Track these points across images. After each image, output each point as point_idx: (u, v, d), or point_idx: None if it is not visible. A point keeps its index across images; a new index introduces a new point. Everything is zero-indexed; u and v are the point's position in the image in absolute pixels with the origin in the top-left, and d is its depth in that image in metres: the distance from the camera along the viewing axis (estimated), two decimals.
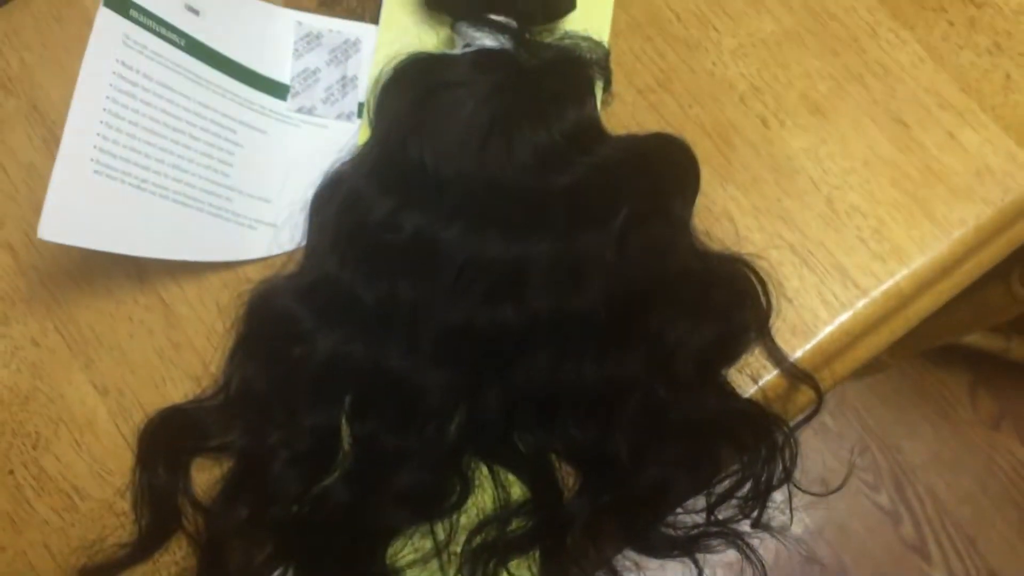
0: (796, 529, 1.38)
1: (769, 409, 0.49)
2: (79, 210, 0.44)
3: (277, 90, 0.53)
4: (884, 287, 0.51)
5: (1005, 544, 1.39)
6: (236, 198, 0.51)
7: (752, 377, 0.50)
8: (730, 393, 0.49)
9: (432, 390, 0.47)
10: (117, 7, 0.46)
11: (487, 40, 0.52)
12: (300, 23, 0.55)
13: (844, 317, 0.51)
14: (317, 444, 0.47)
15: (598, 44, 0.54)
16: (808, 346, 0.51)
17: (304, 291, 0.49)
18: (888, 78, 0.55)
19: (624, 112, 0.55)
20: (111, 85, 0.45)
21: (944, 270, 0.52)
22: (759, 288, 0.50)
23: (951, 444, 1.46)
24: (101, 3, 0.45)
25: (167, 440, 0.48)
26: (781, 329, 0.51)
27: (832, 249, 0.52)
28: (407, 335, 0.48)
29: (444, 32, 0.55)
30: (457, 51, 0.53)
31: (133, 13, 0.47)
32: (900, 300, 0.52)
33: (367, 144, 0.52)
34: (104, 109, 0.45)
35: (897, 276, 0.52)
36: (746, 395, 0.49)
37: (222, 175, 0.50)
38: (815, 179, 0.53)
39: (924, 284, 0.52)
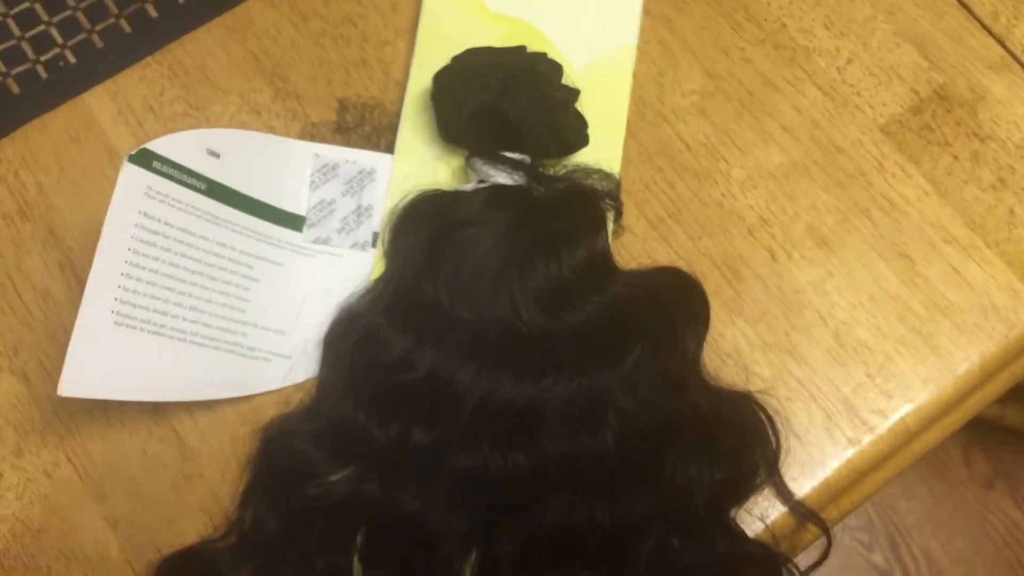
0: None
1: (777, 550, 0.49)
2: (99, 364, 0.44)
3: (294, 222, 0.54)
4: (890, 423, 0.52)
5: None
6: (252, 332, 0.51)
7: (760, 517, 0.50)
8: (739, 535, 0.49)
9: (445, 535, 0.47)
10: (141, 161, 0.46)
11: (501, 176, 0.53)
12: (317, 155, 0.55)
13: (851, 453, 0.52)
14: None
15: (609, 176, 0.55)
16: (815, 483, 0.51)
17: (318, 431, 0.49)
18: (894, 212, 0.56)
19: (635, 243, 0.56)
20: (133, 236, 0.46)
21: (950, 406, 0.53)
22: (768, 427, 0.51)
23: (945, 504, 1.47)
24: (125, 159, 0.46)
25: None
26: (789, 465, 0.51)
27: (839, 385, 0.53)
28: (421, 477, 0.48)
29: (457, 163, 0.56)
30: (470, 186, 0.54)
31: (156, 164, 0.47)
32: (906, 436, 0.52)
33: (381, 279, 0.52)
34: (126, 261, 0.46)
35: (903, 412, 0.52)
36: (753, 534, 0.50)
37: (238, 311, 0.51)
38: (822, 313, 0.54)
39: (929, 420, 0.53)
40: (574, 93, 0.55)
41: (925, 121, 0.57)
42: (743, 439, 0.50)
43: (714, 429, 0.50)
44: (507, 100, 0.53)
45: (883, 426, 0.52)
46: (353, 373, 0.50)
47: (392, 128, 0.58)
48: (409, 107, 0.58)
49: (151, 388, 0.47)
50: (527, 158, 0.53)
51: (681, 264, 0.55)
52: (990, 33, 0.59)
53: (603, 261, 0.53)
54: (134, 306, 0.46)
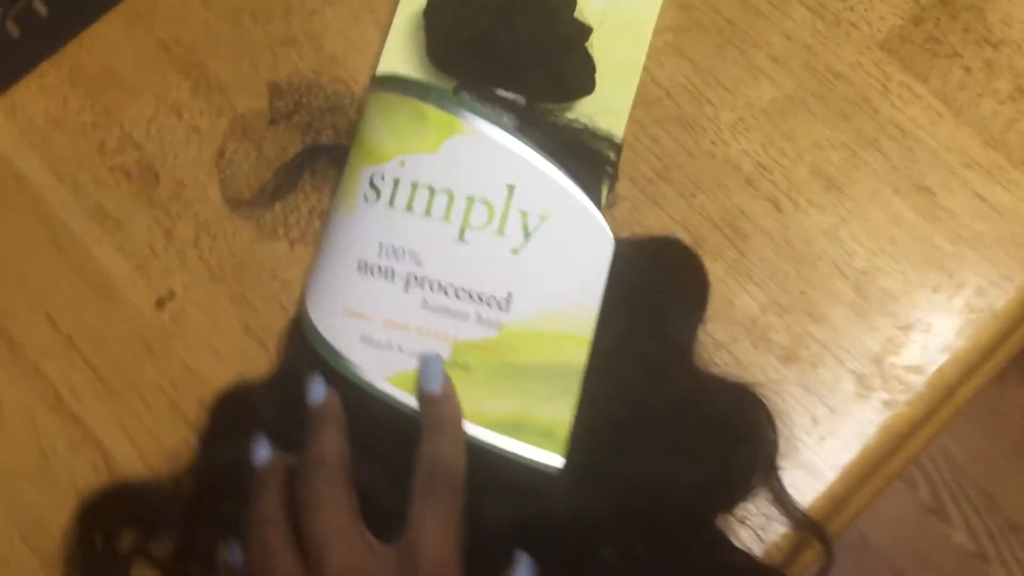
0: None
1: (765, 562, 0.44)
2: None
3: None
4: (928, 378, 0.47)
5: (1022, 496, 1.38)
6: None
7: (759, 527, 0.45)
8: (721, 544, 0.44)
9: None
10: None
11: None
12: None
13: (888, 417, 0.47)
14: None
15: (611, 139, 0.48)
16: (853, 455, 0.46)
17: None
18: (905, 139, 0.49)
19: (623, 209, 0.49)
20: None
21: (991, 349, 0.48)
22: (767, 424, 0.45)
23: None
24: None
25: None
26: (825, 438, 0.46)
27: (867, 342, 0.47)
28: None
29: None
30: None
31: None
32: (946, 391, 0.47)
33: None
34: None
35: (941, 363, 0.47)
36: (740, 545, 0.44)
37: None
38: (839, 264, 0.48)
39: (971, 367, 0.48)
40: (584, 31, 0.48)
41: (929, 31, 0.51)
42: (733, 436, 0.44)
43: (697, 424, 0.44)
44: (505, 31, 0.46)
45: (920, 382, 0.47)
46: None
47: (334, 111, 0.51)
48: (398, 25, 0.51)
49: None
50: (521, 99, 0.47)
51: (676, 228, 0.49)
52: None
53: None
54: None
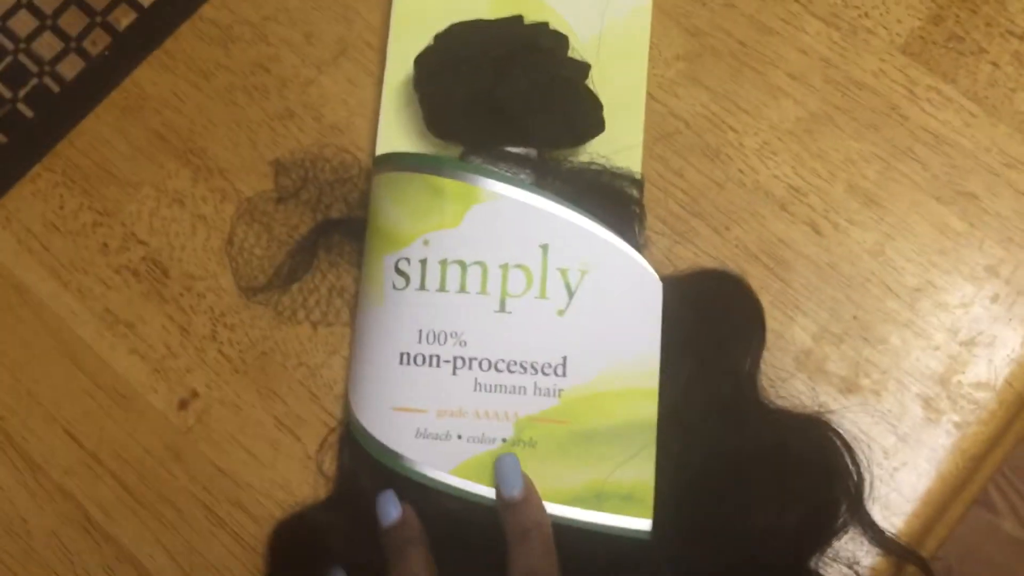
0: None
1: None
2: None
3: None
4: (997, 392, 0.44)
5: None
6: None
7: (848, 562, 0.43)
8: None
9: None
10: None
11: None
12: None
13: (960, 438, 0.44)
14: None
15: (631, 176, 0.46)
16: (929, 483, 0.44)
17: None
18: (940, 145, 0.47)
19: (653, 249, 0.47)
20: None
21: None
22: (846, 456, 0.43)
23: None
24: None
25: None
26: (898, 469, 0.44)
27: (929, 363, 0.45)
28: None
29: None
30: None
31: None
32: (1018, 403, 0.45)
33: None
34: None
35: (1008, 375, 0.44)
36: None
37: None
38: (889, 283, 0.46)
39: None
40: (583, 68, 0.46)
41: (950, 30, 0.49)
42: (818, 474, 0.42)
43: (782, 466, 0.42)
44: (504, 85, 0.44)
45: (990, 399, 0.44)
46: None
47: (343, 183, 0.49)
48: (388, 101, 0.49)
49: None
50: (533, 152, 0.45)
51: (712, 264, 0.47)
52: None
53: None
54: None
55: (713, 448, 0.42)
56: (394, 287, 0.43)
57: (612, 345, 0.42)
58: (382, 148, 0.48)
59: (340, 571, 0.40)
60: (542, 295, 0.42)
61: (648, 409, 0.41)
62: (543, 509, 0.40)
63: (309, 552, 0.42)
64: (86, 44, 0.53)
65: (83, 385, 0.48)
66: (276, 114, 0.51)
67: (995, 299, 0.45)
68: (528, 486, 0.40)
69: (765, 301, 0.46)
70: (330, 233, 0.48)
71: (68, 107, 0.52)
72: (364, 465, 0.43)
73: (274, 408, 0.47)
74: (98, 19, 0.53)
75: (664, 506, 0.41)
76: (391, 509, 0.40)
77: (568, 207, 0.42)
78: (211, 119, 0.51)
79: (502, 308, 0.42)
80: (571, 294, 0.42)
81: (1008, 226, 0.46)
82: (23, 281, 0.49)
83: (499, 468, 0.40)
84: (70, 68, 0.53)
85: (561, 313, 0.42)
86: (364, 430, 0.43)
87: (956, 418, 0.44)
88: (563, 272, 0.42)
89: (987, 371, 0.44)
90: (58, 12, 0.53)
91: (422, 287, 0.42)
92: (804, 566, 0.42)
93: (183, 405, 0.47)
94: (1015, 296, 0.45)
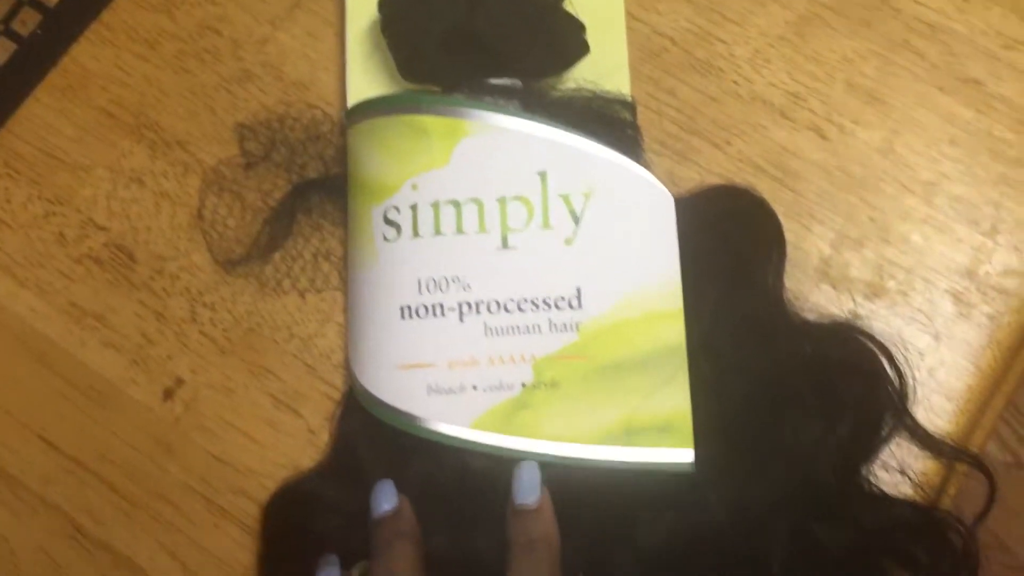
0: None
1: (935, 509, 0.40)
2: None
3: None
4: None
5: None
6: None
7: (898, 467, 0.40)
8: (883, 500, 0.39)
9: None
10: None
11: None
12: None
13: (995, 330, 0.42)
14: None
15: (622, 99, 0.43)
16: (970, 380, 0.42)
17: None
18: (937, 33, 0.45)
19: (658, 173, 0.44)
20: None
21: None
22: (884, 359, 0.40)
23: None
24: None
25: None
26: (935, 370, 0.41)
27: (955, 256, 0.43)
28: None
29: None
30: None
31: None
32: None
33: None
34: None
35: None
36: (897, 494, 0.40)
37: None
38: (903, 181, 0.44)
39: None
40: None
41: None
42: (862, 381, 0.40)
43: (825, 377, 0.40)
44: (480, 15, 0.40)
45: (1021, 284, 0.42)
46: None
47: (315, 140, 0.45)
48: (353, 50, 0.45)
49: None
50: (518, 82, 0.41)
51: (718, 181, 0.44)
52: None
53: None
54: None
55: (751, 370, 0.39)
56: (385, 239, 0.40)
57: (627, 269, 0.39)
58: (353, 100, 0.45)
59: (333, 562, 0.37)
60: (546, 225, 0.39)
61: (675, 331, 0.38)
62: (554, 523, 0.36)
63: (302, 529, 0.39)
64: (15, 25, 0.49)
65: (55, 386, 0.44)
66: (233, 77, 0.47)
67: (1012, 184, 0.43)
68: (545, 498, 0.37)
69: (778, 213, 0.43)
70: (308, 195, 0.45)
71: (3, 93, 0.48)
72: (368, 435, 0.40)
73: (269, 386, 0.43)
74: None
75: (706, 437, 0.38)
76: (385, 500, 0.37)
77: (563, 130, 0.39)
78: (162, 90, 0.47)
79: (504, 244, 0.39)
80: (577, 220, 0.39)
81: (1015, 108, 0.44)
82: None
83: (519, 473, 0.37)
84: (1, 52, 0.49)
85: (569, 242, 0.39)
86: (370, 395, 0.39)
87: (988, 309, 0.42)
88: (565, 198, 0.39)
89: (1016, 258, 0.43)
90: None
91: (416, 234, 0.39)
92: (857, 478, 0.39)
93: (168, 395, 0.43)
94: None
